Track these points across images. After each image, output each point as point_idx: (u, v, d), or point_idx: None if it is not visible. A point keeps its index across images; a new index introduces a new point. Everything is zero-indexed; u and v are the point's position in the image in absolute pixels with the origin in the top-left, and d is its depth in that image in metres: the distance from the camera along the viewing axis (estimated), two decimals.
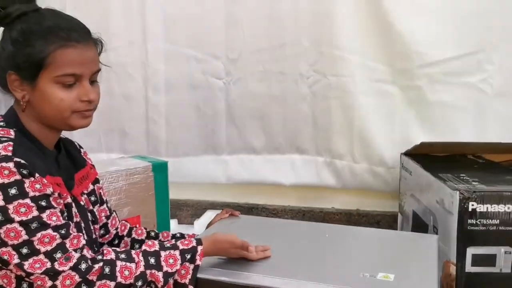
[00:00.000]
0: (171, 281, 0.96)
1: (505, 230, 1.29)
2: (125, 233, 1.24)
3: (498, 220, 1.29)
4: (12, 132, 0.95)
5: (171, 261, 0.97)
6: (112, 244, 1.20)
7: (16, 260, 0.86)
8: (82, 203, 1.06)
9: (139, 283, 0.92)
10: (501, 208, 1.28)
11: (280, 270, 0.99)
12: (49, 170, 0.95)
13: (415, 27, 1.83)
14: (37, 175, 0.89)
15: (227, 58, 2.03)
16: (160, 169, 1.61)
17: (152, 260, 0.95)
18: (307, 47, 1.96)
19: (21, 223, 0.86)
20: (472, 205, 1.28)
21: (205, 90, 2.08)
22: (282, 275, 0.96)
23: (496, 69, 1.84)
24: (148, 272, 0.94)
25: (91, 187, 1.13)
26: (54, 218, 0.89)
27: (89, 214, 1.09)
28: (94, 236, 1.08)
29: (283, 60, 1.99)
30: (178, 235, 1.26)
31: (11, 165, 0.87)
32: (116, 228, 1.23)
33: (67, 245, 0.89)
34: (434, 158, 1.77)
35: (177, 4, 2.03)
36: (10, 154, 0.89)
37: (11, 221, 0.86)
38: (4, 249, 0.87)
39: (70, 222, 0.94)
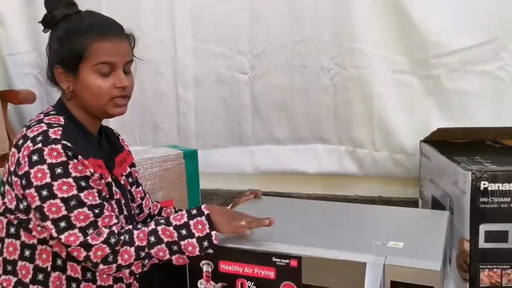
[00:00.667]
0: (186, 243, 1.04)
1: None
2: (156, 212, 1.36)
3: (509, 198, 1.35)
4: (62, 119, 1.08)
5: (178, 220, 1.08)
6: (145, 222, 1.30)
7: (54, 233, 0.99)
8: (122, 182, 1.19)
9: (152, 238, 1.03)
10: (511, 186, 1.35)
11: (297, 239, 1.08)
12: (92, 153, 1.07)
13: (431, 17, 1.89)
14: (80, 157, 1.01)
15: (251, 53, 2.14)
16: (190, 157, 1.73)
17: (162, 221, 1.08)
18: (327, 41, 2.05)
19: (62, 199, 0.99)
20: (484, 184, 1.35)
21: (231, 85, 2.19)
22: (297, 243, 1.05)
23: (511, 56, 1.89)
24: (159, 228, 1.05)
25: (128, 169, 1.25)
26: (90, 198, 1.01)
27: (127, 193, 1.21)
28: (132, 212, 1.20)
29: (305, 54, 2.08)
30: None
31: (59, 147, 1.00)
32: (149, 208, 1.35)
33: (99, 223, 1.01)
34: (452, 144, 1.83)
35: (204, 3, 2.15)
36: (59, 137, 1.01)
37: (55, 196, 0.98)
38: (44, 223, 1.00)
39: (105, 203, 1.05)
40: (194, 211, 1.08)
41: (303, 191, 2.22)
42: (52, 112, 1.11)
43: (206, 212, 1.06)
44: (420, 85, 1.99)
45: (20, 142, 1.04)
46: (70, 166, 1.00)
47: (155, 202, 1.40)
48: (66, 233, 0.99)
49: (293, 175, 2.20)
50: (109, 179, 1.11)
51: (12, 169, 1.04)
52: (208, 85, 2.22)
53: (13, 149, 1.06)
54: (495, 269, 1.38)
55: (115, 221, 1.04)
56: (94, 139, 1.15)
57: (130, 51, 1.15)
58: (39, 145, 1.00)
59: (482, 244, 1.38)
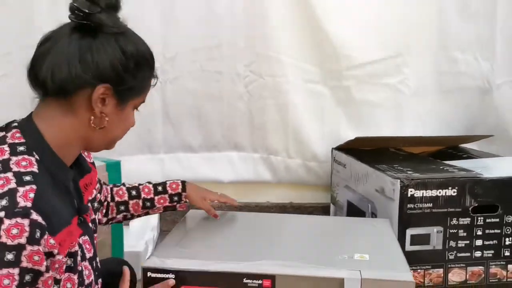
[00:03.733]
0: None
1: (437, 212, 1.47)
2: (109, 199, 1.23)
3: (431, 204, 1.47)
4: (34, 161, 0.82)
5: None
6: (102, 213, 1.22)
7: None
8: (90, 225, 0.99)
9: None
10: (433, 193, 1.46)
11: (264, 256, 1.05)
12: (65, 216, 0.84)
13: (343, 32, 1.99)
14: (43, 241, 0.76)
15: (163, 56, 2.04)
16: (114, 169, 1.59)
17: None
18: (243, 48, 2.04)
19: None
20: (411, 191, 1.45)
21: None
22: (267, 260, 1.02)
23: (411, 71, 2.07)
24: None
25: (94, 193, 1.05)
26: None
27: (92, 230, 1.00)
28: (95, 254, 1.00)
29: (220, 59, 2.05)
30: (160, 188, 1.30)
31: (25, 223, 0.74)
32: (105, 198, 1.22)
33: None
34: (361, 151, 1.94)
35: None
36: (29, 204, 0.76)
37: None
38: None
39: None
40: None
41: None
42: (21, 149, 0.84)
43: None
44: (331, 96, 2.08)
45: None
46: (25, 253, 0.75)
47: (104, 185, 1.24)
48: None
49: (205, 184, 2.13)
50: (76, 248, 0.87)
51: None
52: None
53: None
54: (418, 270, 1.49)
55: None
56: (69, 173, 0.92)
57: None
58: (1, 214, 0.74)
59: (408, 247, 1.47)
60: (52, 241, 0.77)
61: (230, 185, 2.14)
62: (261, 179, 2.14)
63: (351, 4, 2.00)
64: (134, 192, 1.28)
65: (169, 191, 1.30)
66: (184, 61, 2.05)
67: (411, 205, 1.46)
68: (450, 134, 2.08)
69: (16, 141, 0.85)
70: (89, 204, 1.00)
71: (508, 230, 1.52)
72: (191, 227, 1.30)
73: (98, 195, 1.14)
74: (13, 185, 0.78)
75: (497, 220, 1.51)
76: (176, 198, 1.30)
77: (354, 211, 1.80)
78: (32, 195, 0.77)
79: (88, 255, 0.93)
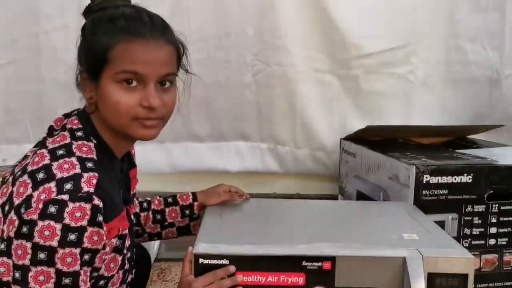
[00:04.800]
0: None
1: (452, 198, 1.46)
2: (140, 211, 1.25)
3: (446, 190, 1.46)
4: (93, 148, 0.87)
5: None
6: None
7: None
8: (132, 217, 1.01)
9: None
10: (449, 179, 1.45)
11: (317, 239, 1.02)
12: (118, 206, 0.88)
13: (352, 20, 1.97)
14: (103, 222, 0.82)
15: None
16: None
17: None
18: (251, 37, 2.01)
19: (58, 272, 0.78)
20: (426, 177, 1.44)
21: None
22: (324, 243, 0.99)
23: (420, 61, 2.06)
24: None
25: (136, 188, 1.09)
26: (84, 279, 0.81)
27: (133, 223, 1.03)
28: (133, 244, 1.01)
29: (228, 48, 2.02)
30: (170, 200, 1.27)
31: (88, 207, 0.79)
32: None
33: None
34: (371, 141, 1.93)
35: None
36: (92, 190, 0.80)
37: (51, 264, 0.78)
38: (15, 285, 0.78)
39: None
40: None
41: None
42: (80, 134, 0.88)
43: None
44: (339, 85, 2.06)
45: (40, 175, 0.81)
46: (86, 234, 0.79)
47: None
48: None
49: (212, 174, 2.12)
50: (126, 231, 0.91)
51: (15, 201, 0.80)
52: None
53: (23, 175, 0.82)
54: None
55: None
56: (118, 165, 0.96)
57: (171, 60, 0.92)
58: (65, 197, 0.79)
59: None
60: (104, 229, 0.82)
61: (237, 175, 2.12)
62: (268, 170, 2.12)
63: None
64: (145, 205, 1.26)
65: (180, 202, 1.26)
66: (192, 49, 2.01)
67: (426, 192, 1.45)
68: (458, 124, 2.07)
69: (74, 126, 0.90)
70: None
71: None
72: (220, 215, 1.22)
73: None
74: (78, 170, 0.82)
75: None
76: (187, 212, 1.26)
77: (364, 200, 1.79)
78: (94, 181, 0.81)
79: (127, 244, 0.93)
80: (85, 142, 0.88)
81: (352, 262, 0.94)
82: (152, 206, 1.26)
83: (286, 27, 2.00)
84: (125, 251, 0.92)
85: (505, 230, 1.51)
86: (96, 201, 0.80)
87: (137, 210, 1.23)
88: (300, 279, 0.93)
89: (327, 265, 0.93)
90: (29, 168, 0.83)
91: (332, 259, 0.93)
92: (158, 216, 1.25)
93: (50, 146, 0.86)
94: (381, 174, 1.64)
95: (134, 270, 1.00)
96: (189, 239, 1.12)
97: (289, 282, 0.93)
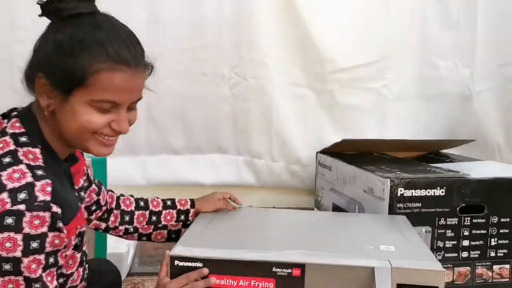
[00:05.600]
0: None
1: (425, 211, 1.48)
2: (113, 205, 1.20)
3: (420, 203, 1.47)
4: (39, 154, 0.82)
5: None
6: (101, 219, 1.18)
7: None
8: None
9: None
10: (422, 192, 1.47)
11: (290, 247, 1.03)
12: (74, 205, 0.86)
13: (328, 36, 2.01)
14: (63, 226, 0.80)
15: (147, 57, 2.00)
16: (100, 165, 1.54)
17: None
18: (229, 50, 2.03)
19: (26, 279, 0.77)
20: (401, 190, 1.45)
21: None
22: (295, 250, 1.00)
23: (394, 76, 2.10)
24: None
25: (81, 182, 1.03)
26: (49, 279, 0.80)
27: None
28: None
29: (205, 61, 2.03)
30: (169, 203, 1.27)
31: (47, 215, 0.77)
32: (106, 203, 1.17)
33: None
34: (346, 155, 1.94)
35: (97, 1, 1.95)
36: (48, 198, 0.77)
37: (19, 273, 0.76)
38: None
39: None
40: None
41: None
42: (24, 139, 0.83)
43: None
44: (315, 99, 2.09)
45: None
46: (48, 240, 0.78)
47: (110, 193, 1.22)
48: None
49: (188, 187, 2.11)
50: (83, 228, 0.91)
51: None
52: None
53: None
54: None
55: None
56: (64, 167, 0.92)
57: (144, 85, 0.90)
58: (21, 207, 0.76)
59: None
60: (65, 231, 0.80)
61: (213, 188, 2.09)
62: (244, 183, 2.12)
63: (336, 9, 2.03)
64: (142, 203, 1.24)
65: (178, 206, 1.27)
66: (169, 62, 2.02)
67: (401, 205, 1.46)
68: (431, 138, 2.11)
69: (17, 131, 0.84)
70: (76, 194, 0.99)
71: (493, 230, 1.54)
72: (209, 221, 1.25)
73: (92, 187, 1.12)
74: (29, 179, 0.78)
75: (483, 220, 1.53)
76: (182, 217, 1.26)
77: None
78: (49, 189, 0.79)
79: (84, 240, 0.94)
80: (30, 148, 0.83)
81: (321, 270, 0.95)
82: (150, 207, 1.24)
83: (263, 41, 2.02)
84: (84, 247, 0.92)
85: (477, 243, 1.53)
86: (55, 208, 0.78)
87: (132, 208, 1.22)
88: (270, 285, 0.95)
89: (296, 272, 0.95)
90: None
91: (301, 266, 0.95)
92: (154, 218, 1.24)
93: None
94: (356, 187, 1.66)
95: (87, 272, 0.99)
96: (162, 252, 1.11)
97: (259, 287, 0.95)
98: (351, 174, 1.70)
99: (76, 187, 0.99)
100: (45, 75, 0.82)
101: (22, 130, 0.84)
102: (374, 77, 2.08)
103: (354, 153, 1.99)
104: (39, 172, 0.80)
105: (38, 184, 0.78)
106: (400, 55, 2.09)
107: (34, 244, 0.76)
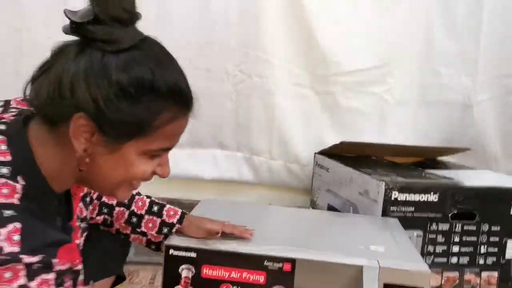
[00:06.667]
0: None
1: (418, 216, 1.51)
2: (94, 196, 1.10)
3: (413, 207, 1.50)
4: (18, 189, 0.69)
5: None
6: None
7: None
8: (77, 241, 0.90)
9: None
10: (416, 197, 1.50)
11: (283, 243, 1.06)
12: (56, 237, 0.73)
13: (333, 39, 2.03)
14: (46, 270, 0.68)
15: None
16: None
17: None
18: (234, 48, 2.05)
19: None
20: (395, 194, 1.48)
21: None
22: (287, 246, 1.03)
23: (396, 82, 2.12)
24: None
25: (80, 205, 0.95)
26: None
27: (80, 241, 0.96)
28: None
29: (210, 57, 2.05)
30: (155, 208, 1.12)
31: (19, 267, 0.64)
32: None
33: None
34: (344, 157, 1.97)
35: None
36: (17, 249, 0.64)
37: None
38: None
39: None
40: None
41: (196, 197, 2.16)
42: (5, 171, 0.69)
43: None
44: (317, 100, 2.11)
45: None
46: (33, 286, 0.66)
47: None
48: None
49: (185, 181, 2.14)
50: (79, 266, 0.78)
51: None
52: None
53: None
54: None
55: None
56: (55, 197, 0.78)
57: None
58: None
59: None
60: (55, 260, 0.69)
61: (212, 183, 2.14)
62: (242, 179, 2.15)
63: (343, 13, 2.04)
64: (125, 200, 1.11)
65: (164, 216, 1.10)
66: (175, 56, 2.04)
67: (394, 208, 1.49)
68: (429, 145, 2.14)
69: (1, 158, 0.70)
70: (78, 223, 0.92)
71: (484, 238, 1.57)
72: (206, 213, 1.25)
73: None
74: None
75: (474, 228, 1.56)
76: (165, 230, 1.10)
77: None
78: (17, 237, 0.65)
79: (80, 278, 0.81)
80: (9, 182, 0.69)
81: (312, 266, 0.98)
82: (133, 207, 1.11)
83: (269, 41, 2.04)
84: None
85: (467, 249, 1.56)
86: (26, 258, 0.64)
87: (113, 202, 1.10)
88: (261, 278, 0.99)
89: (287, 266, 0.98)
90: None
91: (292, 261, 0.98)
92: (134, 220, 1.11)
93: None
94: (352, 189, 1.69)
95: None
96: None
97: (250, 279, 0.99)
98: (347, 176, 1.73)
99: (76, 215, 0.90)
100: (88, 115, 0.70)
101: (8, 158, 0.70)
102: (376, 81, 2.10)
103: (352, 155, 2.02)
104: (7, 213, 0.66)
105: (3, 231, 0.65)
106: (403, 61, 2.11)
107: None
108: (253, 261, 0.99)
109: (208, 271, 0.99)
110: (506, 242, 1.58)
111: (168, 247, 1.00)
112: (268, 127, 2.10)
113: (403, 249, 1.12)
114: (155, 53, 0.76)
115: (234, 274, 0.98)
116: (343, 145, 1.88)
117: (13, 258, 0.64)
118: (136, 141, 0.73)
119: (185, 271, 0.99)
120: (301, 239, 1.14)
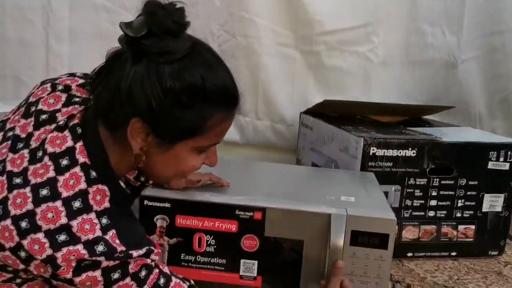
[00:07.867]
0: None
1: (396, 171, 1.54)
2: None
3: (391, 163, 1.54)
4: (107, 192, 0.78)
5: None
6: None
7: None
8: None
9: None
10: (394, 152, 1.53)
11: (255, 193, 1.10)
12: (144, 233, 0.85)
13: None
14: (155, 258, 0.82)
15: (137, 10, 2.01)
16: None
17: None
18: (219, 7, 2.04)
19: None
20: (373, 149, 1.51)
21: (114, 42, 2.03)
22: (258, 197, 1.06)
23: (380, 41, 2.12)
24: None
25: None
26: None
27: None
28: None
29: (195, 18, 2.02)
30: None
31: (144, 262, 0.79)
32: None
33: None
34: (329, 116, 1.99)
35: None
36: (124, 248, 0.75)
37: None
38: None
39: None
40: None
41: None
42: (94, 175, 0.76)
43: None
44: (302, 60, 2.11)
45: (62, 237, 0.71)
46: (151, 277, 0.81)
47: None
48: None
49: None
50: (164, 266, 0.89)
51: (38, 256, 0.71)
52: (86, 40, 2.04)
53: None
54: None
55: None
56: (130, 201, 0.94)
57: None
58: (101, 258, 0.73)
59: None
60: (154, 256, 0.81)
61: None
62: (229, 139, 2.16)
63: None
64: None
65: None
66: None
67: (372, 163, 1.52)
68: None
69: (86, 161, 0.77)
70: None
71: (461, 192, 1.61)
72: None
73: None
74: (98, 232, 0.73)
75: (452, 182, 1.59)
76: (142, 179, 1.18)
77: None
78: (118, 241, 0.75)
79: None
80: (99, 186, 0.77)
81: (281, 214, 1.02)
82: None
83: (253, 1, 2.03)
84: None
85: (444, 203, 1.60)
86: (135, 253, 0.76)
87: None
88: (233, 226, 1.02)
89: (258, 215, 1.02)
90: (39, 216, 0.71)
91: (262, 210, 1.02)
92: None
93: (61, 182, 0.74)
94: (334, 146, 1.71)
95: None
96: None
97: (223, 228, 1.02)
98: (329, 133, 1.75)
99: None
100: (143, 120, 0.77)
101: (88, 161, 0.77)
102: (360, 41, 2.10)
103: (337, 115, 2.04)
104: (104, 221, 0.75)
105: (107, 237, 0.74)
106: (388, 20, 2.10)
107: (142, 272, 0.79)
108: (225, 211, 1.02)
109: (182, 221, 1.02)
110: (483, 196, 1.62)
111: (143, 198, 1.03)
112: (253, 88, 2.12)
113: (374, 200, 1.16)
114: (203, 57, 0.81)
115: (207, 223, 1.02)
116: (326, 103, 1.89)
117: (125, 255, 0.74)
118: (187, 141, 0.81)
119: (160, 221, 1.02)
120: (274, 190, 1.17)
